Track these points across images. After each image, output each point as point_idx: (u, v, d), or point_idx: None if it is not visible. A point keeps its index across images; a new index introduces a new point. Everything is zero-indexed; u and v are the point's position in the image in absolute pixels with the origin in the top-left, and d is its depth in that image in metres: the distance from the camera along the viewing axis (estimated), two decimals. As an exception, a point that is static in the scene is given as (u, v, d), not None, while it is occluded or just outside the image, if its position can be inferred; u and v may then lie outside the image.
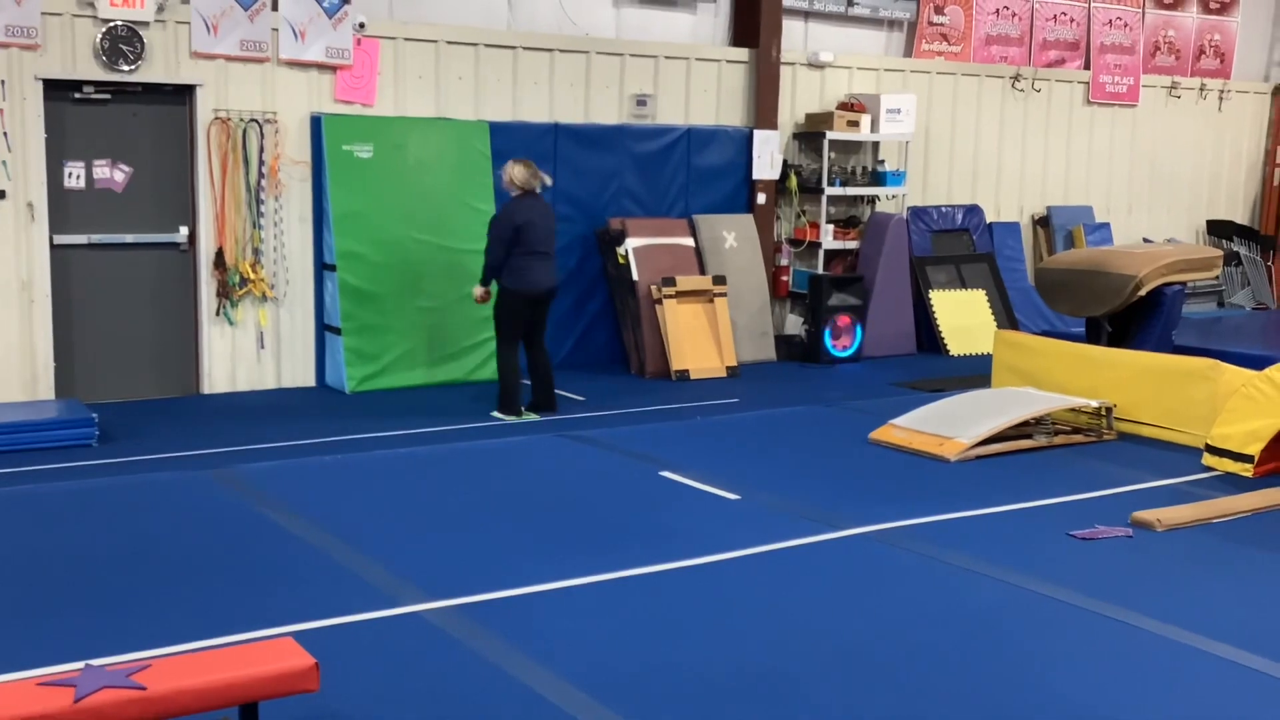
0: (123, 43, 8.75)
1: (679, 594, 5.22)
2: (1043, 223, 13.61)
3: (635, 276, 10.54)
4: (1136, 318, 9.68)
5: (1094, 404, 8.29)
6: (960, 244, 12.63)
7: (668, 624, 4.89)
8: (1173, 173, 14.71)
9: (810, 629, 4.87)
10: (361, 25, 9.60)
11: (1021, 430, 7.98)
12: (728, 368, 10.59)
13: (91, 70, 8.73)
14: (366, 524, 6.07)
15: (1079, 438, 8.16)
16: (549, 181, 8.76)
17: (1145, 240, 14.08)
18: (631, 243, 10.60)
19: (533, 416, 8.72)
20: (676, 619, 4.94)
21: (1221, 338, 11.93)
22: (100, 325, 9.05)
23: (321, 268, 9.65)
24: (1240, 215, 15.43)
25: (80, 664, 3.67)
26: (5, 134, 8.47)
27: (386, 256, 9.61)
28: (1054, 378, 8.77)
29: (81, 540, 5.72)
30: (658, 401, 9.49)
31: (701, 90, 11.29)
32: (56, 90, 8.68)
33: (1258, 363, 7.98)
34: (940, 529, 6.18)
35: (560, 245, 10.40)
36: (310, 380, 9.75)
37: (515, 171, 8.58)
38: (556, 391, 9.02)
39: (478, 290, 8.70)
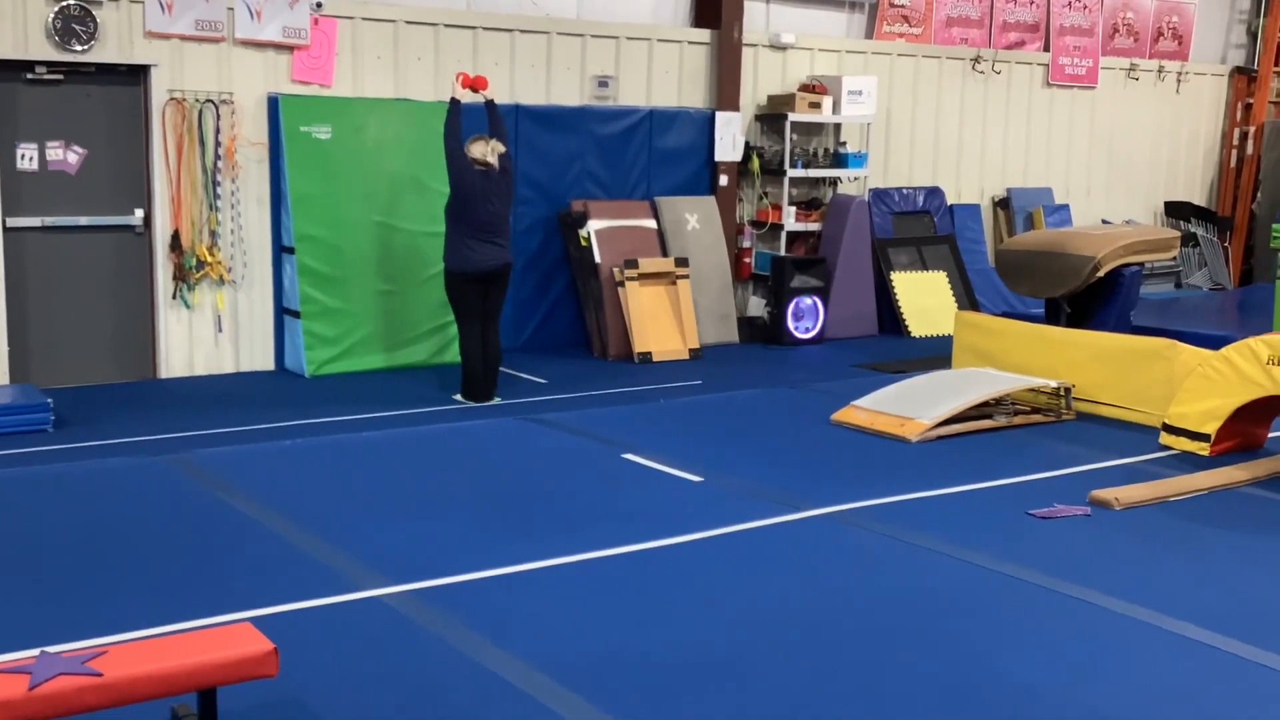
0: (75, 22, 8.61)
1: (641, 576, 5.22)
2: (1003, 205, 13.69)
3: (597, 259, 10.51)
4: (1095, 299, 9.75)
5: (1053, 384, 8.35)
6: (921, 226, 12.67)
7: (630, 606, 4.89)
8: (1131, 154, 14.82)
9: (772, 610, 4.88)
10: (319, 4, 9.50)
11: (982, 411, 8.03)
12: (690, 350, 10.59)
13: (44, 50, 8.59)
14: (326, 509, 6.03)
15: (1038, 418, 8.22)
16: (502, 148, 8.63)
17: (1104, 222, 14.20)
18: (593, 225, 10.57)
19: (458, 399, 8.63)
20: (639, 601, 4.94)
21: (1179, 318, 12.04)
22: (55, 309, 8.93)
23: (280, 250, 9.56)
24: (1198, 197, 15.58)
25: (35, 651, 3.63)
26: (-45, 115, 8.33)
27: (346, 239, 9.53)
28: (1014, 358, 8.83)
29: (36, 527, 5.65)
30: (620, 384, 9.48)
31: (663, 72, 11.25)
32: (8, 70, 8.54)
33: (1215, 343, 8.06)
34: (901, 509, 6.21)
35: (521, 228, 10.40)
36: (269, 364, 9.67)
37: (470, 148, 8.52)
38: (522, 376, 8.97)
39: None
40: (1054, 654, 4.50)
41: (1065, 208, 13.91)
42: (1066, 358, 8.56)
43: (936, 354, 10.50)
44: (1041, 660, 4.44)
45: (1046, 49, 13.86)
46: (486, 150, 8.50)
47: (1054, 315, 9.93)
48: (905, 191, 12.64)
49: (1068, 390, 8.34)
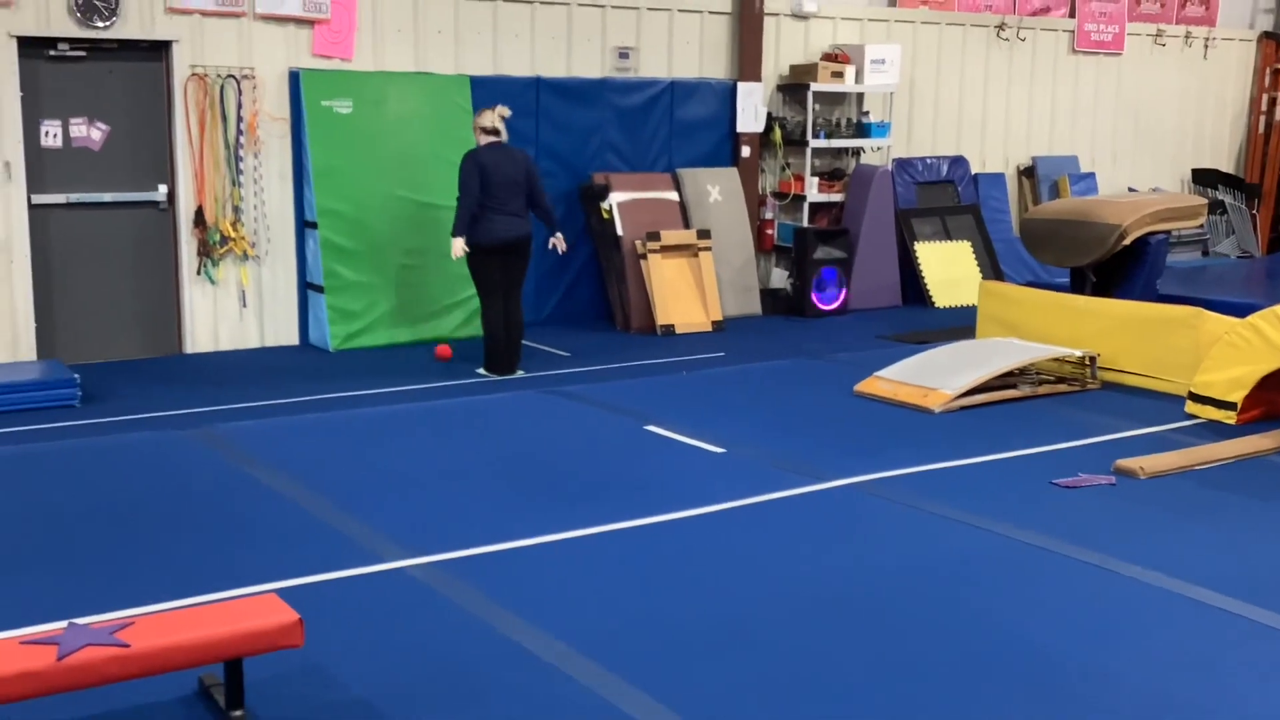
0: (97, -1, 8.64)
1: (663, 547, 5.24)
2: (1028, 173, 13.58)
3: (620, 231, 10.50)
4: (1121, 267, 9.68)
5: (1078, 353, 8.31)
6: (945, 195, 12.59)
7: (652, 577, 4.90)
8: (1158, 121, 14.67)
9: (794, 579, 4.89)
10: (339, -21, 9.49)
11: (1006, 381, 8.00)
12: (713, 322, 10.57)
13: (66, 27, 8.62)
14: (350, 481, 6.06)
15: (1063, 387, 8.18)
16: (507, 113, 8.60)
17: (1130, 190, 14.07)
18: (615, 197, 10.55)
19: (481, 372, 8.65)
20: (661, 572, 4.96)
21: (1206, 286, 11.95)
22: (81, 285, 8.99)
23: (303, 225, 9.59)
24: (1225, 164, 15.41)
25: (64, 623, 3.67)
26: (-21, 93, 8.37)
27: (368, 213, 9.55)
28: (1038, 328, 8.78)
29: (65, 500, 5.71)
30: (643, 356, 9.48)
31: (684, 43, 11.20)
32: (31, 48, 8.57)
33: (1242, 310, 7.99)
34: (924, 479, 6.20)
35: (543, 200, 10.38)
36: (294, 338, 9.71)
37: (480, 119, 8.53)
38: (544, 348, 8.97)
39: (454, 245, 8.38)
40: (1075, 622, 4.49)
41: (1091, 176, 13.79)
42: (1091, 327, 8.51)
43: (960, 324, 10.44)
44: (1062, 628, 4.44)
45: (1072, 15, 13.70)
46: (494, 117, 8.50)
47: (1079, 284, 9.85)
48: (929, 161, 12.55)
49: (1093, 359, 8.30)
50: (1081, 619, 4.52)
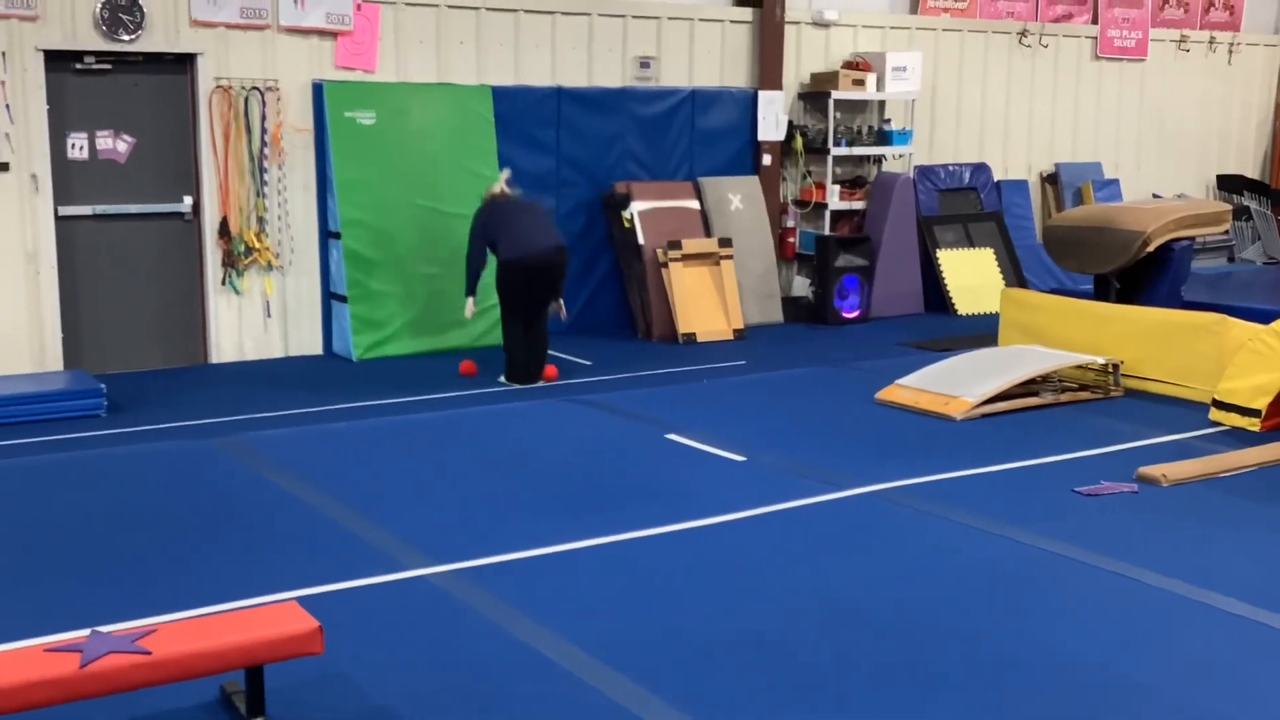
0: (123, 12, 8.72)
1: (684, 555, 5.24)
2: (1051, 180, 13.54)
3: (641, 240, 10.52)
4: (1145, 274, 9.64)
5: (1101, 361, 8.27)
6: (968, 203, 12.57)
7: (672, 585, 4.91)
8: (1182, 127, 14.59)
9: (814, 587, 4.88)
10: (361, -9, 9.56)
11: (1028, 388, 7.97)
12: (734, 330, 10.58)
13: (92, 40, 8.72)
14: (373, 489, 6.10)
15: (1086, 395, 8.15)
16: (506, 174, 8.94)
17: (1155, 196, 13.99)
18: (636, 206, 10.58)
19: (503, 381, 8.69)
20: (681, 580, 4.96)
21: (1231, 293, 11.85)
22: (107, 296, 9.07)
23: (326, 235, 9.65)
24: (1250, 169, 15.31)
25: (87, 630, 3.71)
26: (8, 106, 8.46)
27: (390, 223, 9.60)
28: (1061, 335, 8.74)
29: (90, 509, 5.76)
30: (664, 365, 9.49)
31: (705, 51, 11.22)
32: (58, 61, 8.66)
33: (1267, 317, 7.93)
34: (945, 487, 6.19)
35: (565, 210, 10.45)
36: (317, 348, 9.77)
37: (489, 191, 8.83)
38: (566, 357, 9.01)
39: (467, 305, 8.75)
40: (1097, 631, 4.47)
41: (1115, 182, 13.73)
42: (1115, 333, 8.47)
43: (983, 332, 10.41)
44: (1085, 637, 4.42)
45: (1094, 21, 13.66)
46: (500, 185, 8.80)
47: (1103, 291, 9.82)
48: (951, 168, 12.53)
49: (1116, 366, 8.26)
50: (1104, 627, 4.50)
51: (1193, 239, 9.81)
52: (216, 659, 3.56)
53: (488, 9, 10.14)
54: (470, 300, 8.72)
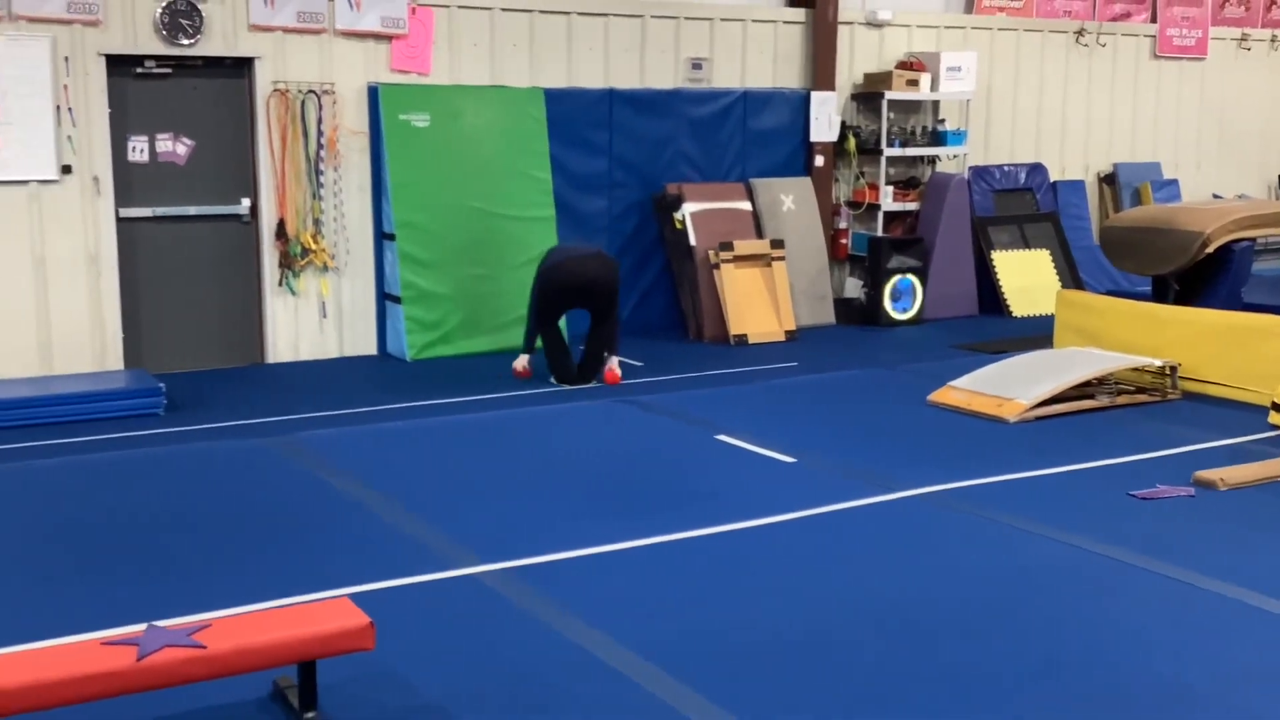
0: (182, 17, 8.86)
1: (733, 557, 5.24)
2: (1109, 180, 13.37)
3: (692, 241, 10.52)
4: (1204, 276, 9.50)
5: (1158, 363, 8.16)
6: (1023, 203, 12.45)
7: (722, 587, 4.91)
8: (1243, 127, 14.36)
9: (864, 590, 4.86)
10: (416, -6, 9.64)
11: (1083, 391, 7.89)
12: (786, 332, 10.55)
13: (152, 45, 8.86)
14: (425, 489, 6.15)
15: (1142, 397, 8.05)
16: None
17: (1215, 196, 13.78)
18: (688, 208, 10.58)
19: (553, 382, 8.73)
20: (730, 582, 4.96)
21: (1293, 295, 11.65)
22: (167, 297, 9.21)
23: (381, 237, 9.74)
24: (1314, 169, 15.04)
25: (143, 624, 3.77)
26: (70, 110, 8.62)
27: (444, 225, 9.67)
28: (1118, 337, 8.64)
29: (147, 506, 5.86)
30: (715, 366, 9.49)
31: (758, 52, 11.20)
32: (119, 65, 8.81)
33: (1328, 319, 7.81)
34: (997, 490, 6.14)
35: (616, 211, 10.50)
36: (372, 349, 9.86)
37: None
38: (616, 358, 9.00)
39: (518, 361, 8.77)
40: (1150, 634, 4.42)
41: (1174, 182, 13.54)
42: (1172, 336, 8.35)
43: (1038, 334, 10.31)
44: (1136, 640, 4.37)
45: (1153, 20, 13.48)
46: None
47: (1161, 293, 9.69)
48: (1006, 168, 12.42)
49: (1173, 369, 8.15)
50: (1158, 632, 4.45)
51: (1253, 240, 9.65)
52: (269, 654, 3.61)
53: (540, 11, 10.19)
54: (525, 358, 8.76)
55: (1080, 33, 12.96)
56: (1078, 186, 13.07)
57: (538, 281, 8.67)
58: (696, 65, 10.89)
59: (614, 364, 8.78)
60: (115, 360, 8.96)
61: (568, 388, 8.65)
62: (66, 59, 8.56)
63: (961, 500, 5.96)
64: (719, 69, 11.03)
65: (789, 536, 5.48)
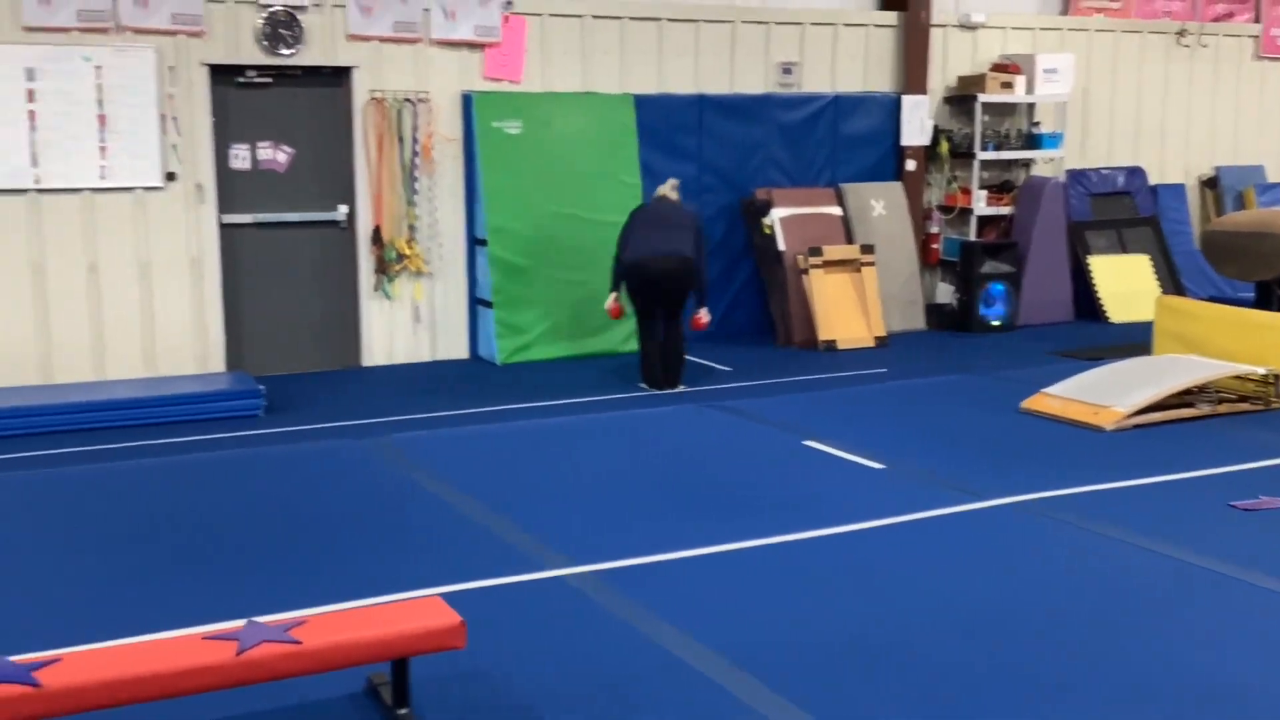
0: (282, 27, 9.07)
1: (820, 562, 5.23)
2: (1210, 184, 13.06)
3: (781, 247, 10.49)
4: (1310, 281, 9.25)
5: (1261, 371, 7.96)
6: (1121, 207, 12.21)
7: (808, 592, 4.90)
8: (1353, 128, 13.93)
9: (951, 597, 4.82)
10: (509, 2, 9.76)
11: (1183, 399, 7.72)
12: (876, 337, 10.47)
13: (253, 55, 9.08)
14: (514, 491, 6.22)
15: (1244, 406, 7.85)
16: (675, 182, 8.91)
17: (1323, 200, 13.38)
18: (777, 213, 10.56)
19: (642, 386, 8.75)
20: (816, 587, 4.95)
21: (1406, 301, 11.27)
22: (266, 301, 9.43)
23: (473, 242, 9.87)
24: None
25: (243, 620, 3.87)
26: (175, 119, 8.87)
27: (535, 231, 9.77)
28: (1219, 344, 8.44)
29: (247, 505, 6.01)
30: (804, 372, 9.46)
31: (848, 56, 11.14)
32: (221, 75, 9.05)
33: None
34: (1092, 499, 6.03)
35: (706, 216, 10.48)
36: (463, 352, 9.99)
37: (658, 190, 8.91)
38: (705, 363, 9.01)
39: (609, 300, 8.70)
40: (1253, 651, 4.32)
41: (1278, 187, 13.18)
42: (1276, 343, 8.13)
43: (1136, 341, 10.10)
44: (1238, 657, 4.27)
45: (1257, 20, 13.14)
46: (666, 188, 8.80)
47: (1265, 299, 9.45)
48: (1104, 172, 12.19)
49: (1277, 377, 7.94)
50: (1260, 648, 4.34)
51: (1363, 245, 9.36)
52: (362, 650, 3.68)
53: (631, 18, 10.25)
54: (612, 295, 8.72)
55: (1181, 33, 12.69)
56: (1178, 190, 12.79)
57: (624, 277, 8.60)
58: (787, 70, 10.87)
59: (703, 313, 8.77)
60: (217, 363, 9.19)
61: (653, 392, 8.69)
62: (171, 69, 8.82)
63: (1055, 509, 5.87)
64: (809, 73, 10.99)
65: (877, 543, 5.45)
